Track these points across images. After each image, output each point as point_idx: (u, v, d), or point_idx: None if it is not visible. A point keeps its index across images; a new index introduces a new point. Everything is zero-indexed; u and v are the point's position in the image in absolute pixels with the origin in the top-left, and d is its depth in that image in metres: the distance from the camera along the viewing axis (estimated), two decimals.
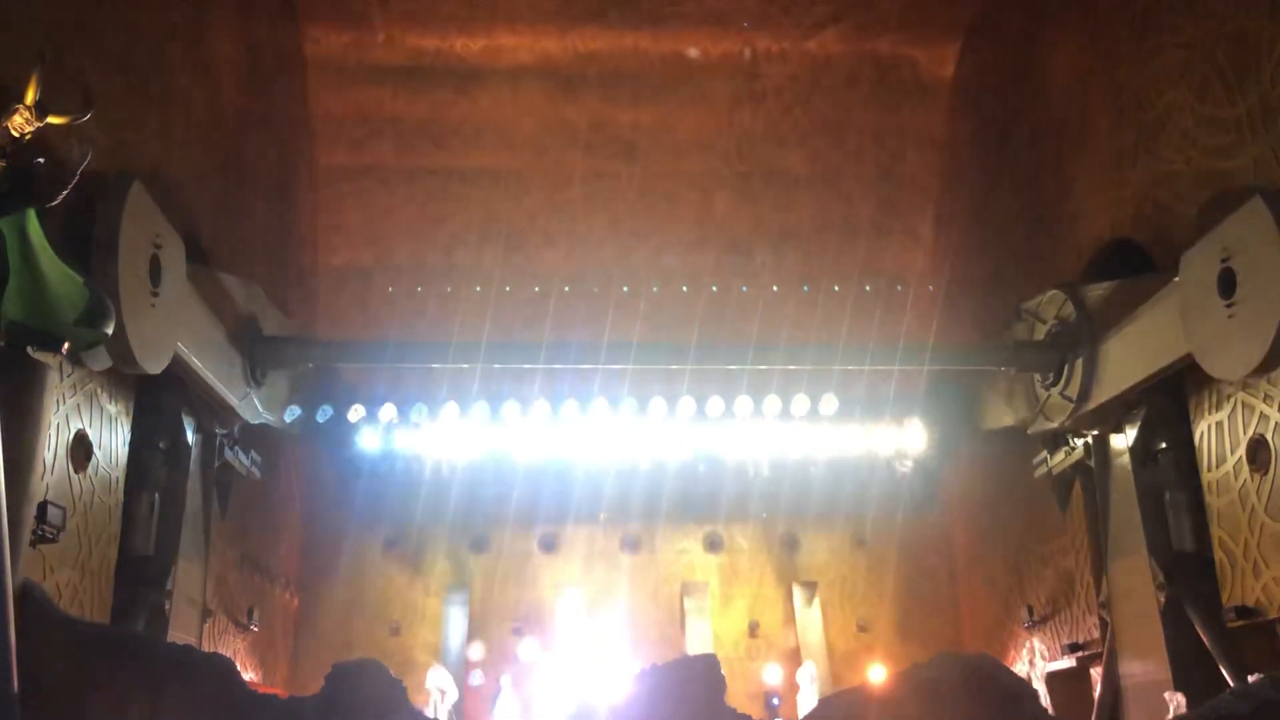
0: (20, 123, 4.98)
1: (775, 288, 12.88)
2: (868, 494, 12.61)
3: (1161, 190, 7.98)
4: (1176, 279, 7.54)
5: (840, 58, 12.27)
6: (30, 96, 4.98)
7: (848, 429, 12.07)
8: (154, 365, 7.23)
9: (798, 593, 12.70)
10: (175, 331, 7.57)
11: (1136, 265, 8.41)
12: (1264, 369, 6.67)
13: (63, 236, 5.63)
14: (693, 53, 12.14)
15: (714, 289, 12.94)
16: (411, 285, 12.86)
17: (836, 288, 12.74)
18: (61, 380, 6.46)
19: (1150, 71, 8.09)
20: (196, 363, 8.06)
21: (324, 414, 10.99)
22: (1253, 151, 6.89)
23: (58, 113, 5.25)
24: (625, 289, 12.69)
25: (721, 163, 12.85)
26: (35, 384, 5.29)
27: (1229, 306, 6.84)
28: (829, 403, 11.56)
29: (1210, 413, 7.59)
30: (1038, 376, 9.55)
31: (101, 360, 6.69)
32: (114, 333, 6.31)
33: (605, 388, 11.41)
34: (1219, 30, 7.17)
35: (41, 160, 5.22)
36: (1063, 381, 9.05)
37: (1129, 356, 8.34)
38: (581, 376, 11.47)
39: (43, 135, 5.17)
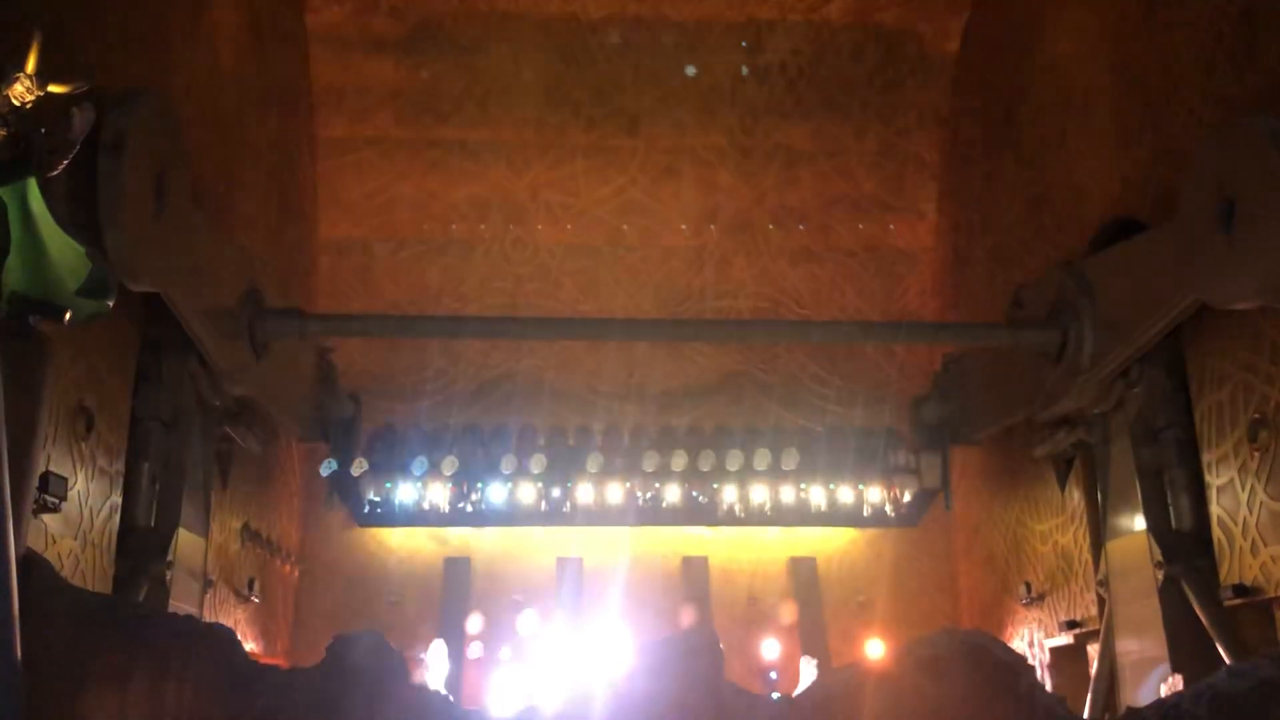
0: (21, 91, 4.95)
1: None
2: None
3: (1167, 168, 7.94)
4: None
5: (844, 32, 12.23)
6: (31, 65, 4.95)
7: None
8: (153, 282, 7.15)
9: (796, 568, 12.76)
10: (176, 259, 7.46)
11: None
12: (1266, 295, 6.58)
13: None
14: (697, 26, 12.09)
15: (717, 263, 12.93)
16: (412, 257, 12.84)
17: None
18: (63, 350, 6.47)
19: (1156, 48, 8.04)
20: (197, 326, 8.01)
21: (328, 468, 11.31)
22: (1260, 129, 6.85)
23: (58, 81, 5.22)
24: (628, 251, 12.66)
25: (724, 137, 12.82)
26: (37, 354, 5.28)
27: (1230, 240, 6.74)
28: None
29: (1211, 392, 7.60)
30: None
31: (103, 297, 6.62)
32: (115, 240, 6.39)
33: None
34: (1226, 7, 7.12)
35: (43, 129, 5.20)
36: (1069, 354, 8.97)
37: (1130, 314, 8.26)
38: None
39: (44, 104, 5.16)
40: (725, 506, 12.42)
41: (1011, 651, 5.72)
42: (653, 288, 12.85)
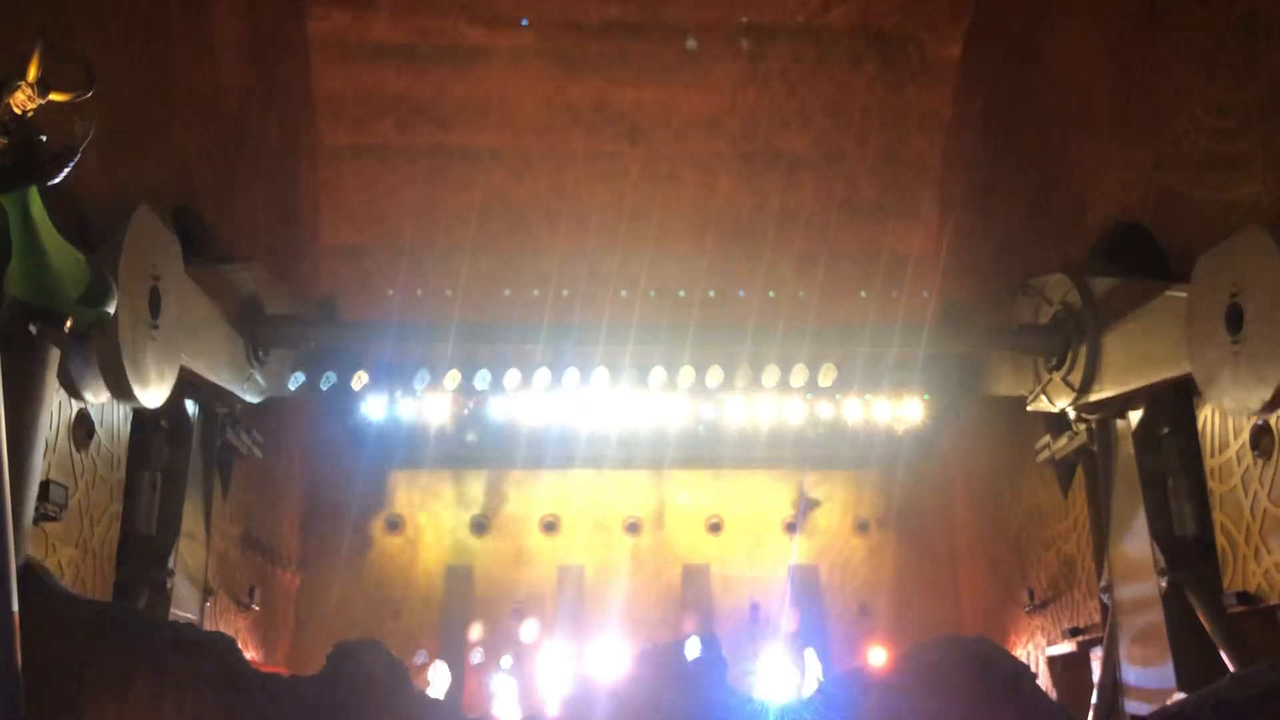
0: (22, 99, 4.96)
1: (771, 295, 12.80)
2: (867, 467, 12.65)
3: (1168, 173, 7.94)
4: (1182, 293, 7.51)
5: (845, 38, 12.20)
6: (32, 73, 4.95)
7: (847, 400, 11.84)
8: (156, 399, 7.27)
9: (799, 576, 12.76)
10: (176, 356, 7.58)
11: (1143, 249, 8.37)
12: (1268, 409, 6.68)
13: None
14: (696, 33, 12.09)
15: (715, 270, 12.92)
16: (414, 263, 12.84)
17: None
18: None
19: (1158, 54, 8.03)
20: (199, 364, 8.10)
21: (327, 381, 10.72)
22: (1260, 135, 6.85)
23: (60, 89, 5.22)
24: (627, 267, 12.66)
25: (725, 143, 12.81)
26: (37, 362, 5.29)
27: (1235, 342, 6.82)
28: (828, 373, 11.23)
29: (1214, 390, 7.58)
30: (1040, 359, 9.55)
31: (100, 394, 6.69)
32: (114, 371, 6.47)
33: (607, 357, 11.26)
34: (1228, 13, 7.12)
35: (44, 137, 5.20)
36: (1066, 366, 9.01)
37: (1133, 358, 8.34)
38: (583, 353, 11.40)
39: (45, 111, 5.16)
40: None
41: (1014, 658, 5.70)
42: (651, 289, 12.84)
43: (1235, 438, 7.32)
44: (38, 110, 5.10)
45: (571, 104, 12.58)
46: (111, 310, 5.69)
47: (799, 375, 10.94)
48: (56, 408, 6.38)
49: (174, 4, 8.33)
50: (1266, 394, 6.56)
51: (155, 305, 7.17)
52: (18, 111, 5.00)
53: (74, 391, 6.56)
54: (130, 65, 7.44)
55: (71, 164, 5.43)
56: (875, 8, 11.81)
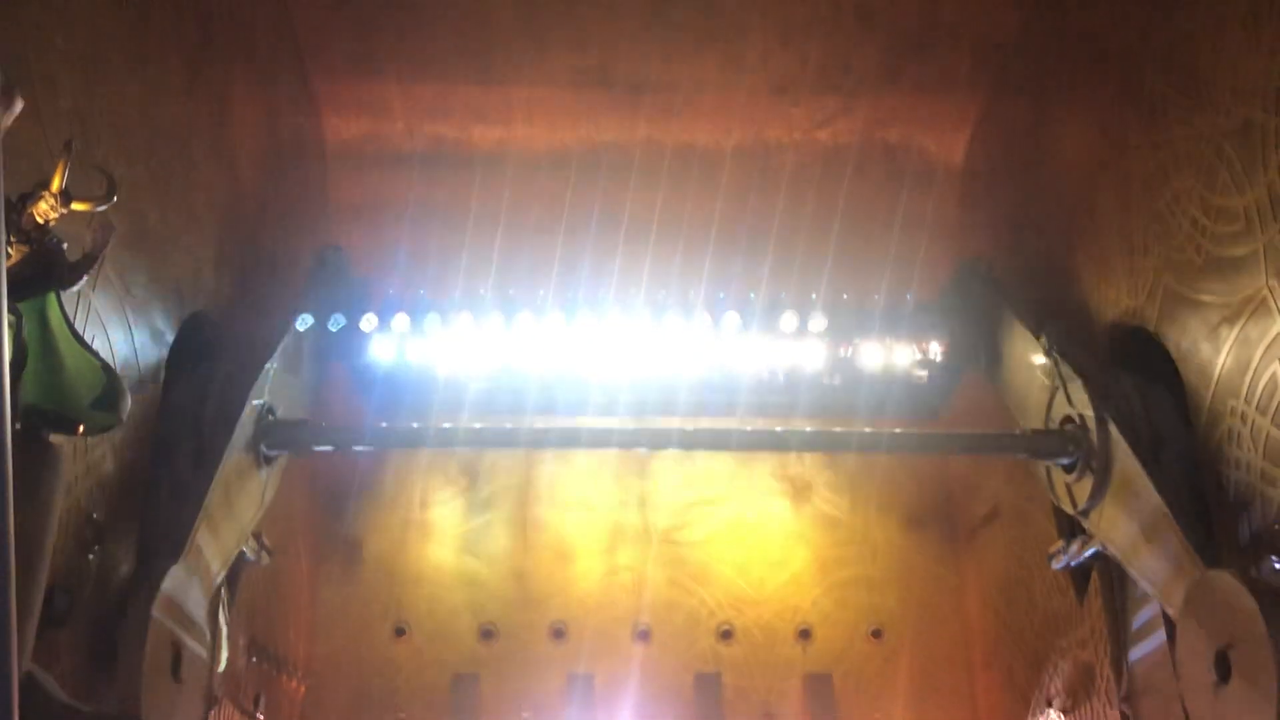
0: (45, 209, 5.07)
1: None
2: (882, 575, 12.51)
3: (1173, 278, 8.01)
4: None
5: (851, 147, 12.44)
6: (56, 184, 5.08)
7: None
8: None
9: (812, 686, 12.55)
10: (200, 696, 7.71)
11: (1150, 353, 8.39)
12: None
13: None
14: (704, 143, 12.35)
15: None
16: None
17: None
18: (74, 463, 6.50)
19: (1159, 160, 8.17)
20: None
21: (336, 323, 10.47)
22: (1262, 239, 6.92)
23: (81, 199, 5.35)
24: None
25: (733, 248, 12.96)
26: (48, 468, 5.30)
27: (1221, 685, 6.68)
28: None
29: (1231, 504, 7.51)
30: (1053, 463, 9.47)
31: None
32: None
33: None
34: (1225, 122, 7.25)
35: (64, 244, 5.31)
36: (1077, 473, 8.91)
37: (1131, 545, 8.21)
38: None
39: (65, 219, 5.28)
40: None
41: None
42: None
43: (1252, 543, 7.23)
44: (59, 219, 5.22)
45: (581, 209, 12.77)
46: (124, 415, 5.72)
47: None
48: (67, 513, 6.39)
49: (196, 117, 8.57)
50: None
51: (177, 664, 7.10)
52: (40, 221, 5.12)
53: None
54: (151, 177, 7.63)
55: (90, 271, 5.54)
56: (880, 120, 12.05)
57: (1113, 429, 8.37)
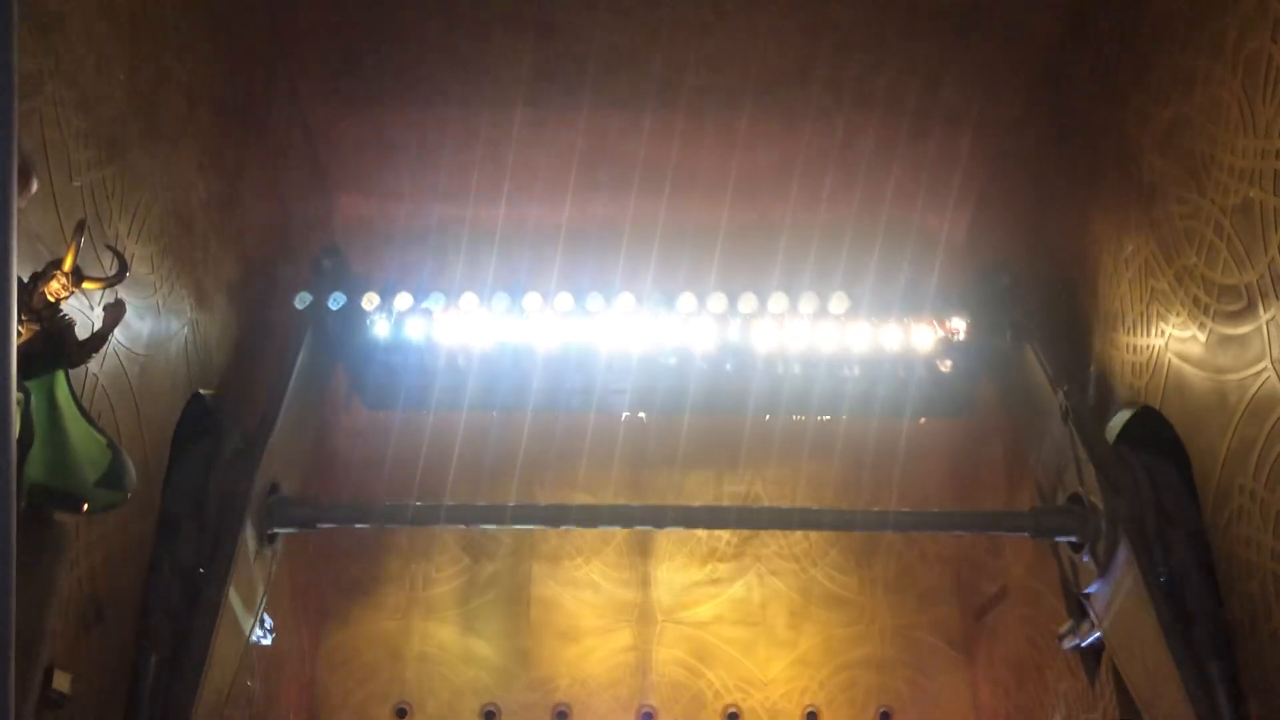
0: (56, 288, 5.13)
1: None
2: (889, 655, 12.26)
3: (1178, 357, 8.03)
4: None
5: (854, 223, 12.53)
6: (68, 263, 5.14)
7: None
8: None
9: None
10: None
11: (1158, 432, 8.37)
12: None
13: None
14: (707, 220, 12.44)
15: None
16: (430, 439, 12.90)
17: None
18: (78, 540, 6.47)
19: (1159, 239, 8.24)
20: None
21: (336, 301, 10.19)
22: (1265, 317, 6.94)
23: (93, 278, 5.41)
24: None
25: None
26: (52, 546, 5.29)
27: None
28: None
29: (1242, 581, 7.44)
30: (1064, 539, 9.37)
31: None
32: None
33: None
34: (1224, 201, 7.32)
35: (73, 322, 5.35)
36: (1087, 548, 8.83)
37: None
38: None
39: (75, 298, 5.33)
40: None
41: None
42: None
43: (1266, 622, 7.15)
44: (70, 297, 5.27)
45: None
46: (129, 493, 5.72)
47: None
48: (68, 591, 6.35)
49: (208, 198, 8.68)
50: None
51: None
52: (51, 299, 5.17)
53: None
54: (162, 255, 7.71)
55: (99, 350, 5.58)
56: (883, 197, 12.12)
57: (1121, 536, 8.33)
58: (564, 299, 10.65)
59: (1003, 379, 10.72)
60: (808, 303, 10.63)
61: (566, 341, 10.84)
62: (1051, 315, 10.22)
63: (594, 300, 10.70)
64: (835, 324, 10.76)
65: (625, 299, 10.67)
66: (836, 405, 11.44)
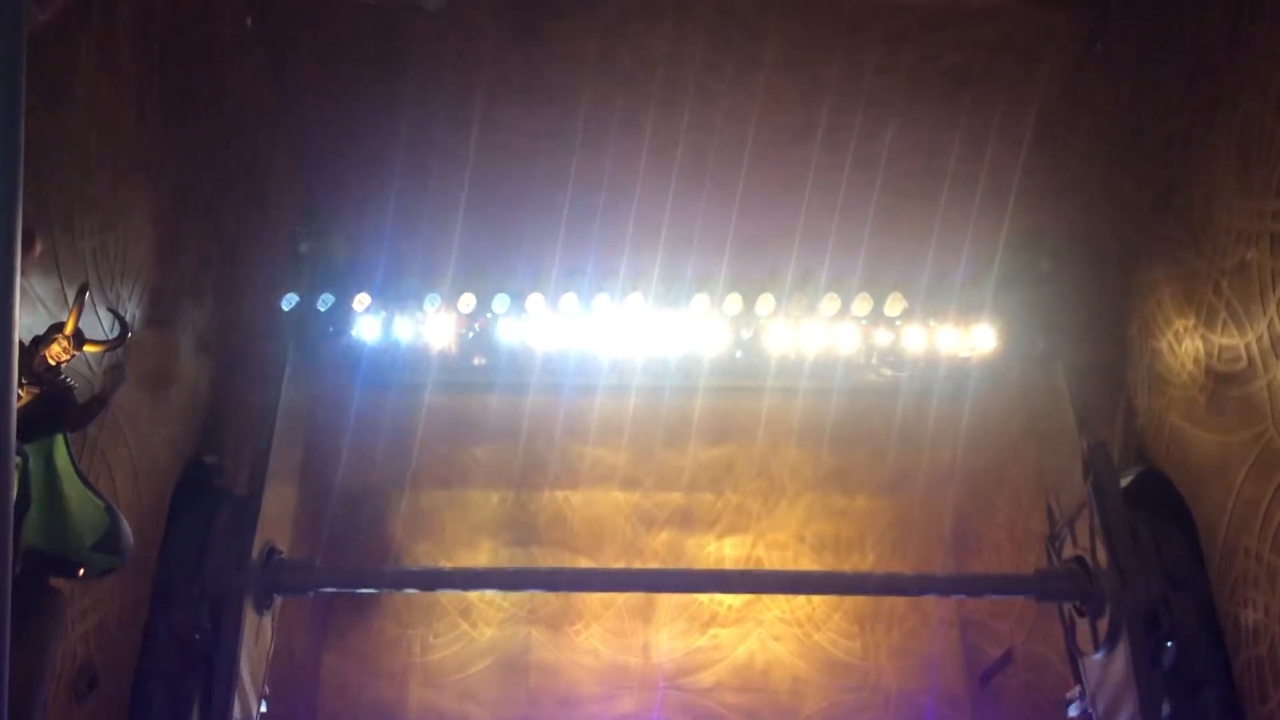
0: (58, 351, 5.13)
1: None
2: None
3: (1179, 417, 8.01)
4: None
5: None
6: (69, 326, 5.14)
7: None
8: None
9: None
10: None
11: (1163, 495, 8.32)
12: None
13: None
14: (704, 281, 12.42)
15: None
16: (430, 506, 12.83)
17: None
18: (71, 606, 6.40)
19: (1156, 300, 8.26)
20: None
21: (325, 303, 9.92)
22: (1265, 378, 6.94)
23: (94, 341, 5.41)
24: None
25: None
26: (47, 612, 5.23)
27: None
28: None
29: (1248, 646, 7.35)
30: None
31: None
32: None
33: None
34: (1222, 262, 7.35)
35: (74, 386, 5.34)
36: (1092, 614, 8.72)
37: None
38: None
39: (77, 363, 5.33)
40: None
41: None
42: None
43: (1275, 689, 7.04)
44: (71, 361, 5.27)
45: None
46: (125, 558, 5.67)
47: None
48: (61, 659, 6.27)
49: (208, 262, 8.71)
50: None
51: None
52: (52, 362, 5.17)
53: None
54: (163, 319, 7.72)
55: (98, 413, 5.57)
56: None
57: (1123, 632, 8.23)
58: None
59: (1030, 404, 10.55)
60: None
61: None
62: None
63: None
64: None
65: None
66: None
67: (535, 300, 10.53)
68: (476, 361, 10.85)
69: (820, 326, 10.63)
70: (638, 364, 10.82)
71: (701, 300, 10.45)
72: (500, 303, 10.40)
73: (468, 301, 10.48)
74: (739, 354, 10.60)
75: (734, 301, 10.45)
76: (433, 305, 10.52)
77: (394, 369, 10.91)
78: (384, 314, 10.52)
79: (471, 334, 10.58)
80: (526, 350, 10.65)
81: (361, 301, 10.38)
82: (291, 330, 10.07)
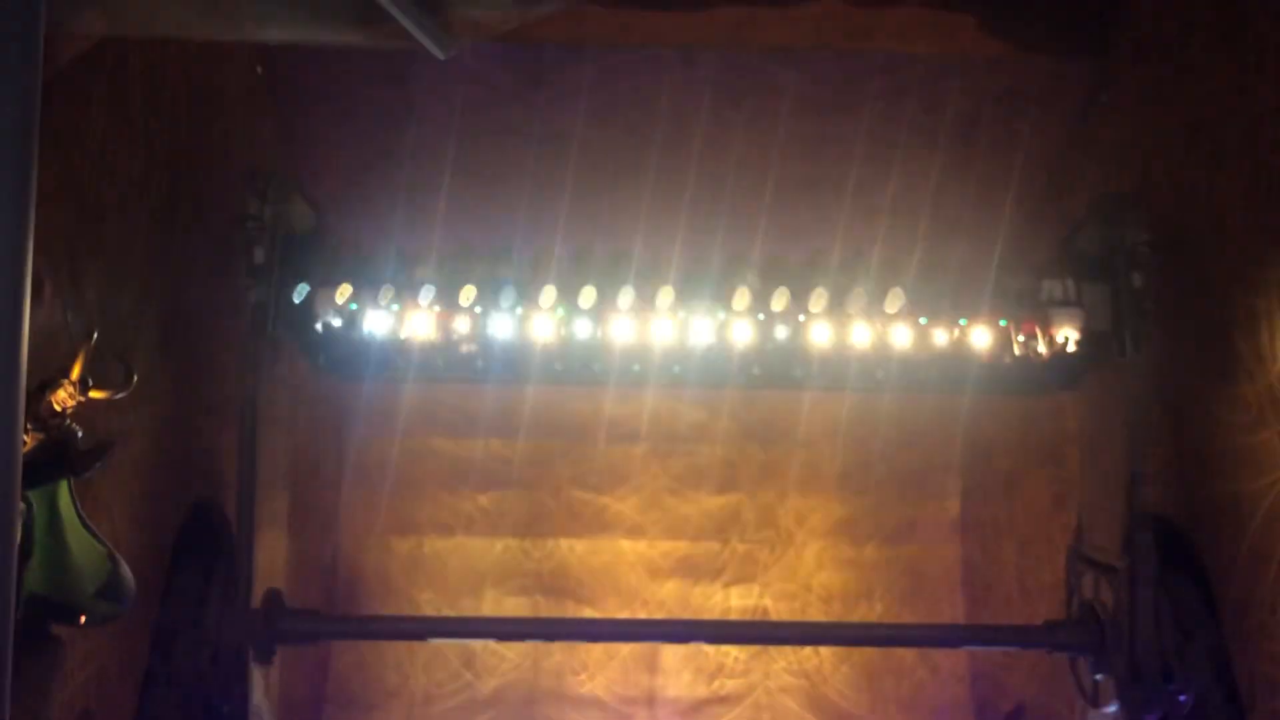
0: (64, 397, 5.11)
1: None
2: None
3: (1190, 468, 7.96)
4: None
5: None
6: (75, 372, 5.14)
7: None
8: None
9: None
10: None
11: (1174, 545, 8.25)
12: None
13: None
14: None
15: None
16: (433, 551, 12.75)
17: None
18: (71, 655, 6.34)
19: (1168, 350, 8.20)
20: None
21: (300, 294, 9.29)
22: (1275, 427, 6.91)
23: (100, 388, 5.40)
24: None
25: None
26: (48, 659, 5.18)
27: None
28: None
29: (1265, 700, 7.24)
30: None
31: None
32: None
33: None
34: (1229, 313, 7.35)
35: (78, 431, 5.33)
36: (1095, 669, 8.60)
37: None
38: None
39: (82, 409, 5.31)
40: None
41: None
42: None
43: None
44: (76, 407, 5.25)
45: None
46: (127, 605, 5.62)
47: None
48: (61, 707, 6.20)
49: (219, 309, 8.74)
50: None
51: None
52: (57, 409, 5.15)
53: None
54: (171, 365, 7.72)
55: (103, 460, 5.54)
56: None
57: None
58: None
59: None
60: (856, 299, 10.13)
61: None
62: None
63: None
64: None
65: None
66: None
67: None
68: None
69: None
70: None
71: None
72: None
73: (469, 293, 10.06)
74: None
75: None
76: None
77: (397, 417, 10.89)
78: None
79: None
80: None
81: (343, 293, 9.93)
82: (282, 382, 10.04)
